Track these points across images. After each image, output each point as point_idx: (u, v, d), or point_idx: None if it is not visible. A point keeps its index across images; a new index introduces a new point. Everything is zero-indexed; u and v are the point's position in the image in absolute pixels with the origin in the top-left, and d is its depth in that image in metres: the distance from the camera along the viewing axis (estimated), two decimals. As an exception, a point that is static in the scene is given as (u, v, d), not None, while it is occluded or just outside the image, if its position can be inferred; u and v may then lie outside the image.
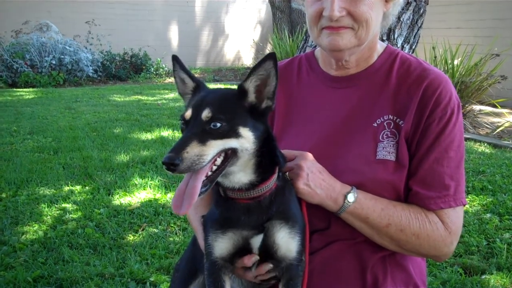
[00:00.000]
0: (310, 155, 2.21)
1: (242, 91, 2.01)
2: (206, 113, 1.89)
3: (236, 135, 1.91)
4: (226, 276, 2.12)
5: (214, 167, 1.90)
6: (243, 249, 2.05)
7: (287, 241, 2.06)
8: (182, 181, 1.88)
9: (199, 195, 1.85)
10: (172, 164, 1.75)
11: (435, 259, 2.40)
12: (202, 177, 1.86)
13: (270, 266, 2.14)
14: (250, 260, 2.08)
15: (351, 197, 2.19)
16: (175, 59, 2.03)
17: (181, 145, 1.80)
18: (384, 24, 2.48)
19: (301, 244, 2.10)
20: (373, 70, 2.46)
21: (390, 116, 2.33)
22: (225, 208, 2.07)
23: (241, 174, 1.99)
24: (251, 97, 2.02)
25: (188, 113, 1.91)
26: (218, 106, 1.93)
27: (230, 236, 2.04)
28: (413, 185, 2.27)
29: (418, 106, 2.28)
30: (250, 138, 1.94)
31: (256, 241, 2.05)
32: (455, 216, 2.25)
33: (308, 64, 2.63)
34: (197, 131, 1.86)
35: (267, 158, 2.02)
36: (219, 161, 1.90)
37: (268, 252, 2.06)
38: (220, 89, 2.09)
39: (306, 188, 2.15)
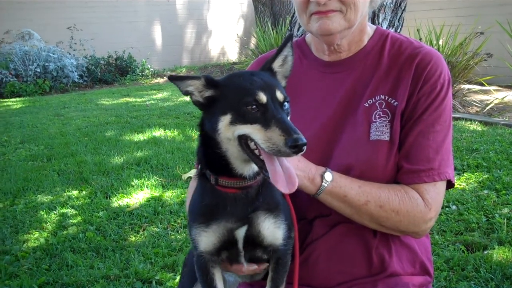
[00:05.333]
0: None
1: (272, 72, 2.08)
2: (279, 95, 1.90)
3: (289, 114, 1.95)
4: (215, 268, 2.12)
5: None
6: (227, 242, 2.05)
7: (273, 231, 2.06)
8: (274, 164, 1.83)
9: None
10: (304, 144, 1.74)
11: (413, 236, 2.37)
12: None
13: (254, 266, 2.18)
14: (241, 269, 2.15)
15: (328, 176, 2.19)
16: (173, 78, 1.94)
17: (294, 126, 1.78)
18: (372, 6, 2.48)
19: (287, 231, 2.11)
20: (364, 52, 2.47)
21: (382, 96, 2.34)
22: (211, 197, 2.05)
23: None
24: (278, 77, 2.11)
25: (263, 97, 1.85)
26: (281, 87, 1.98)
27: (214, 229, 2.03)
28: (398, 160, 2.28)
29: (411, 84, 2.30)
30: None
31: (240, 233, 2.04)
32: (435, 193, 2.24)
33: (300, 51, 2.64)
34: (283, 112, 1.86)
35: None
36: None
37: (253, 242, 2.06)
38: (256, 71, 2.08)
39: None
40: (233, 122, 1.86)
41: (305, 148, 1.73)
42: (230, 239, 2.05)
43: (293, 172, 1.85)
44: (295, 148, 1.72)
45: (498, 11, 12.60)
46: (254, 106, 1.84)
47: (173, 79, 1.94)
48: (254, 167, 1.98)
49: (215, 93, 1.94)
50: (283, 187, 1.81)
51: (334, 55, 2.50)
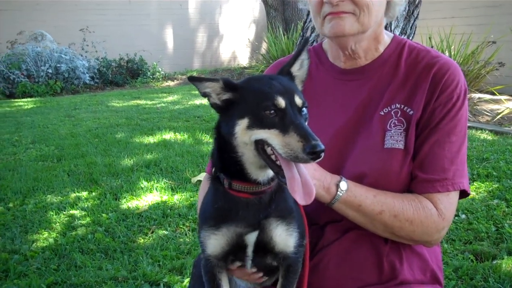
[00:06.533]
0: None
1: (291, 76, 2.08)
2: (298, 100, 1.89)
3: (307, 120, 1.94)
4: (221, 274, 2.11)
5: None
6: (237, 246, 2.04)
7: (285, 238, 2.05)
8: (293, 172, 1.82)
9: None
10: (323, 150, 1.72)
11: (425, 245, 2.38)
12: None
13: (260, 274, 2.19)
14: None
15: (343, 185, 2.18)
16: (192, 79, 1.95)
17: (312, 132, 1.76)
18: (390, 15, 2.48)
19: (299, 239, 2.09)
20: (381, 61, 2.46)
21: (397, 104, 2.33)
22: (223, 201, 2.03)
23: None
24: (296, 81, 2.10)
25: (282, 102, 1.84)
26: (299, 92, 1.96)
27: (224, 233, 2.01)
28: (412, 169, 2.28)
29: (427, 93, 2.29)
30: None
31: (251, 238, 2.03)
32: (449, 203, 2.25)
33: (317, 57, 2.64)
34: (301, 118, 1.85)
35: None
36: None
37: (264, 248, 2.05)
38: (275, 75, 2.07)
39: None
40: (250, 126, 1.85)
41: (323, 154, 1.73)
42: (240, 244, 2.03)
43: (310, 182, 1.84)
44: (313, 154, 1.71)
45: (511, 20, 12.55)
46: (272, 111, 1.82)
47: (193, 80, 1.94)
48: (269, 173, 1.97)
49: (233, 96, 1.94)
50: (300, 198, 1.81)
51: (350, 62, 2.49)
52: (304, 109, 1.91)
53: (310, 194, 1.82)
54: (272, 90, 1.87)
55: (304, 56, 2.11)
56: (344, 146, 2.37)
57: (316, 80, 2.54)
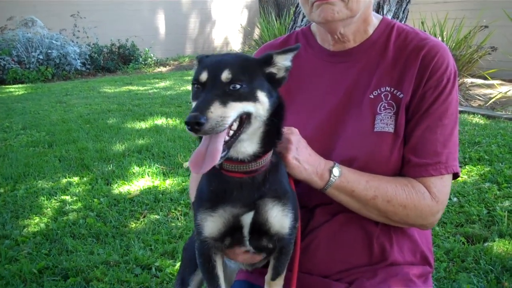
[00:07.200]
0: (296, 130, 2.16)
1: (267, 61, 1.99)
2: (226, 74, 1.83)
3: (254, 98, 1.86)
4: (217, 255, 2.10)
5: (231, 132, 1.83)
6: (233, 227, 2.02)
7: (280, 219, 2.03)
8: (201, 144, 1.82)
9: (219, 160, 1.79)
10: (197, 123, 1.67)
11: (420, 228, 2.37)
12: (222, 140, 1.80)
13: (259, 256, 2.17)
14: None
15: (336, 171, 2.16)
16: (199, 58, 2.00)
17: (205, 105, 1.73)
18: None
19: (294, 220, 2.07)
20: (370, 43, 2.43)
21: (387, 87, 2.31)
22: (217, 182, 2.01)
23: (247, 143, 1.92)
24: (274, 68, 2.01)
25: (204, 75, 1.84)
26: (238, 67, 1.88)
27: (220, 214, 1.99)
28: (405, 153, 2.26)
29: (417, 76, 2.26)
30: (265, 103, 1.89)
31: (247, 219, 2.01)
32: (442, 186, 2.23)
33: (305, 39, 2.61)
34: (217, 92, 1.79)
35: (274, 129, 1.97)
36: (235, 126, 1.83)
37: (259, 229, 2.03)
38: (235, 52, 2.08)
39: (295, 162, 2.11)
40: (192, 98, 1.90)
41: (200, 128, 1.68)
42: (235, 225, 2.02)
43: (215, 154, 1.79)
44: (188, 125, 1.69)
45: (503, 5, 12.52)
46: (196, 84, 1.86)
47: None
48: (245, 150, 1.94)
49: None
50: (193, 166, 1.80)
51: (339, 45, 2.46)
52: (236, 85, 1.83)
53: (206, 164, 1.78)
54: (206, 64, 1.89)
55: (292, 55, 2.03)
56: (335, 129, 2.35)
57: (305, 62, 2.52)
